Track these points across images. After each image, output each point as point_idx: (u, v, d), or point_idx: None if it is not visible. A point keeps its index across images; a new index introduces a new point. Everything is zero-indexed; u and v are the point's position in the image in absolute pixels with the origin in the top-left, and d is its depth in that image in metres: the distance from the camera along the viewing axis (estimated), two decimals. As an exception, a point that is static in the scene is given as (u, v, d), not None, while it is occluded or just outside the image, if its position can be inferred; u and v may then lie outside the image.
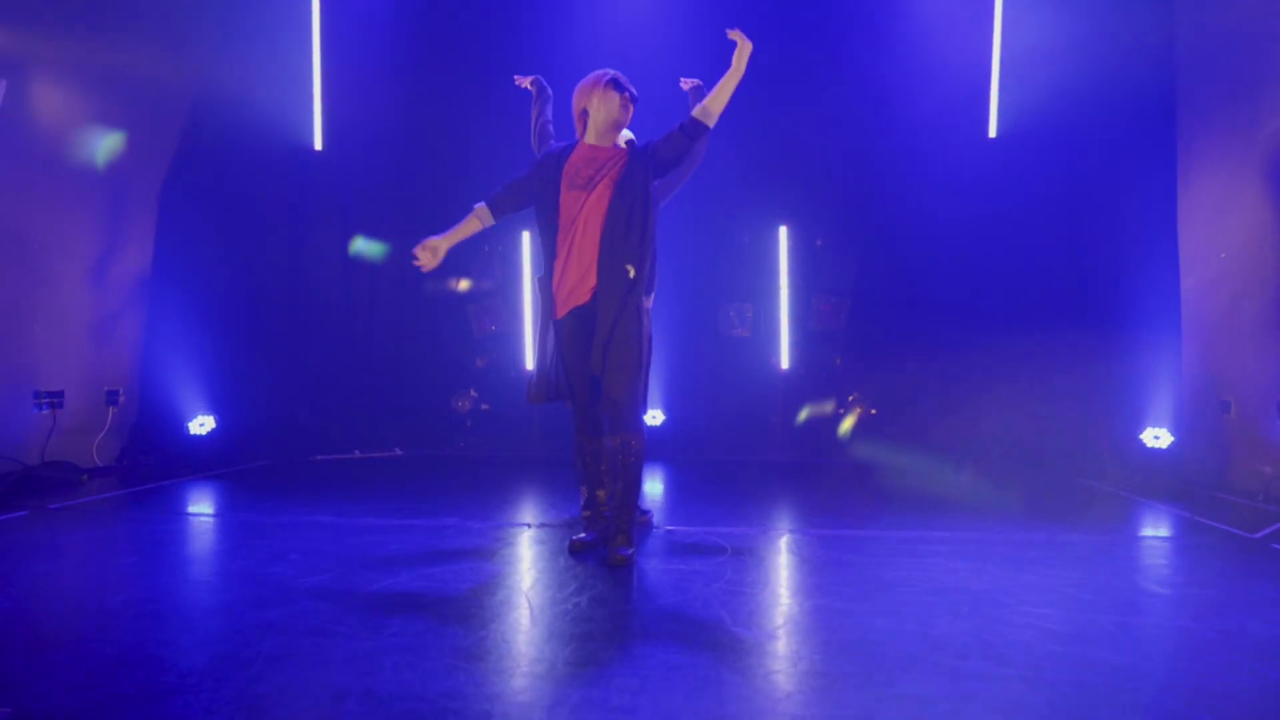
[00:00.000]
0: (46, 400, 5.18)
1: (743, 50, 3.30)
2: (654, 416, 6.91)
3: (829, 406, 6.67)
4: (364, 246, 6.80)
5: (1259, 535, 3.88)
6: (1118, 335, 5.83)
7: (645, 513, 4.11)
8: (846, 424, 6.56)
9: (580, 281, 3.34)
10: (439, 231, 3.42)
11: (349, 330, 6.99)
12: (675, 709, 1.92)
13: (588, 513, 3.63)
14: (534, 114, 3.88)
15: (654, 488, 5.42)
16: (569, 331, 3.38)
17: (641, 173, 3.34)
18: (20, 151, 4.83)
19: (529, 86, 4.00)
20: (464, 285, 6.93)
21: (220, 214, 6.16)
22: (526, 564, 3.31)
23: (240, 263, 6.31)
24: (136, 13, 5.40)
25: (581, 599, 2.78)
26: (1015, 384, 6.16)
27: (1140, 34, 5.74)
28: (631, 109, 3.42)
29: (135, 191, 5.71)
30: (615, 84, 3.37)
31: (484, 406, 7.12)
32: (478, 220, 3.44)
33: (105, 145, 5.26)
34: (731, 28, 3.36)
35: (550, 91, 3.94)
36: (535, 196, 3.44)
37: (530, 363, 7.06)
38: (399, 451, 6.92)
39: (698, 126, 3.31)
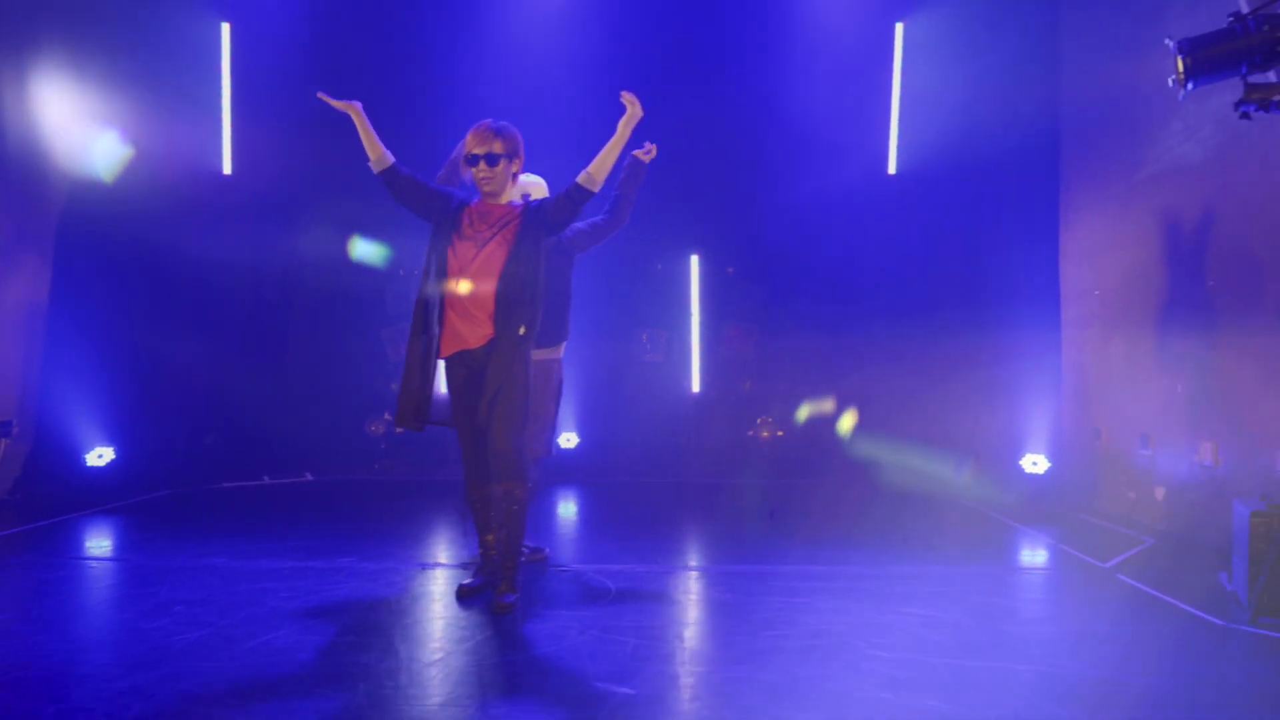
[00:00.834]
0: (-69, 435, 5.03)
1: (630, 118, 3.40)
2: (568, 439, 7.02)
3: (828, 405, 6.74)
4: (365, 249, 6.73)
5: (1109, 564, 4.18)
6: (1005, 365, 6.17)
7: (539, 550, 4.22)
8: (846, 423, 6.69)
9: (471, 331, 3.41)
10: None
11: (259, 354, 6.91)
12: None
13: (479, 557, 3.72)
14: (444, 175, 3.92)
15: (563, 514, 5.54)
16: (458, 378, 3.45)
17: (533, 234, 3.44)
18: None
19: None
20: (464, 287, 6.84)
21: (123, 240, 6.04)
22: (411, 614, 3.38)
23: (144, 288, 6.20)
24: (34, 35, 5.29)
25: (455, 652, 2.87)
26: (910, 408, 6.44)
27: (1028, 84, 6.10)
28: (496, 171, 3.41)
29: (29, 220, 5.57)
30: (471, 159, 3.42)
31: (399, 430, 7.13)
32: (382, 156, 3.42)
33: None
34: (630, 85, 3.44)
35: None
36: (433, 224, 3.50)
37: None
38: (310, 477, 6.88)
39: (582, 192, 3.42)
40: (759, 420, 7.03)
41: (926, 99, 6.38)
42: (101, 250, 5.91)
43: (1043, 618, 3.32)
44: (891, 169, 6.58)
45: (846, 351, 6.68)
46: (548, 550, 4.27)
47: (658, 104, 6.92)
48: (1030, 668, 2.75)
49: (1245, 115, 3.69)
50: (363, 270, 6.83)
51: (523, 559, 4.07)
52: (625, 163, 4.10)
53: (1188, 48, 3.59)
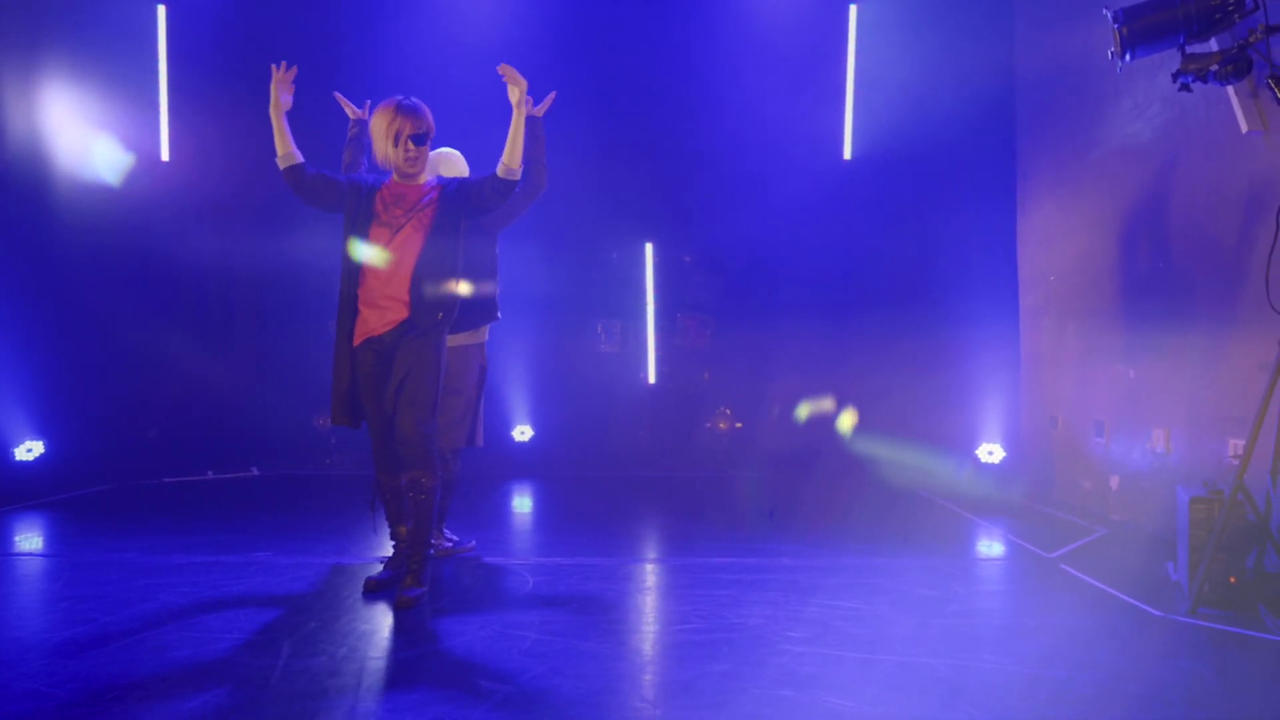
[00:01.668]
0: None
1: (512, 90, 3.23)
2: (522, 432, 6.86)
3: (827, 404, 6.56)
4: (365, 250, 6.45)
5: (1054, 555, 4.05)
6: (962, 353, 6.04)
7: (465, 544, 4.05)
8: (845, 423, 6.54)
9: (379, 317, 3.27)
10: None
11: (203, 345, 6.71)
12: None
13: (392, 548, 3.56)
14: (348, 154, 3.74)
15: (506, 507, 5.38)
16: (367, 364, 3.31)
17: (451, 217, 3.31)
18: None
19: (356, 115, 3.77)
20: (464, 288, 6.65)
21: (57, 227, 5.84)
22: (311, 610, 3.21)
23: (78, 277, 6.00)
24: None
25: (341, 649, 2.71)
26: (870, 397, 6.31)
27: (983, 68, 5.97)
28: (424, 150, 3.29)
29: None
30: (396, 138, 3.25)
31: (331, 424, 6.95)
32: (291, 152, 3.28)
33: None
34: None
35: (368, 141, 3.76)
36: (345, 217, 3.35)
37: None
38: (255, 472, 6.71)
39: (502, 184, 3.26)
40: (718, 411, 6.89)
41: (881, 82, 6.24)
42: (33, 237, 5.71)
43: (972, 610, 3.18)
44: (847, 154, 6.43)
45: (804, 340, 6.53)
46: (474, 543, 4.11)
47: (609, 89, 6.84)
48: (946, 662, 2.61)
49: (1185, 87, 3.56)
50: (307, 260, 6.66)
51: (440, 552, 3.93)
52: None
53: (1124, 18, 3.45)
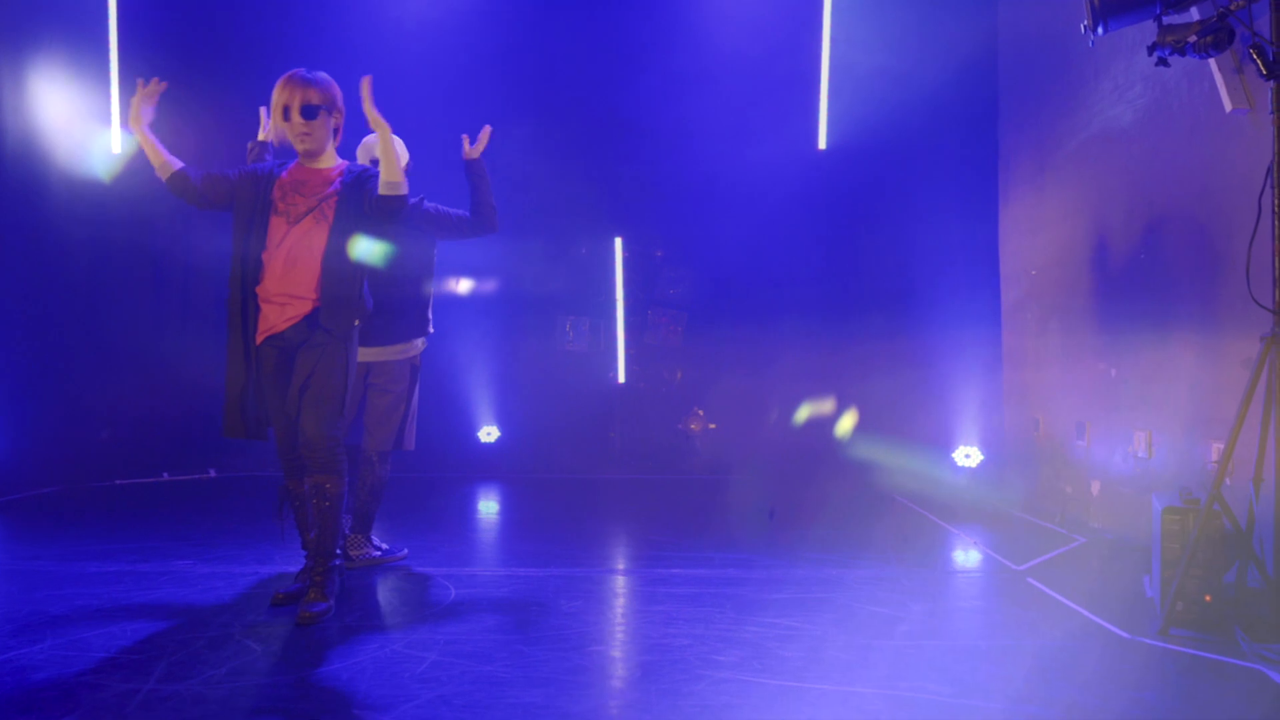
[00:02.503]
0: None
1: (365, 101, 2.96)
2: (488, 433, 6.63)
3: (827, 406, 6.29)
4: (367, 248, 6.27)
5: (1023, 567, 3.78)
6: (942, 351, 5.77)
7: (394, 552, 3.82)
8: (845, 424, 6.29)
9: (280, 314, 3.04)
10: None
11: (159, 344, 6.50)
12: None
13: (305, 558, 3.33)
14: (253, 153, 3.49)
15: (456, 511, 5.15)
16: (270, 364, 3.08)
17: (354, 209, 3.05)
18: None
19: (264, 137, 3.48)
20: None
21: (12, 225, 5.63)
22: (208, 625, 2.98)
23: (26, 271, 5.80)
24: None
25: (220, 674, 2.47)
26: (846, 396, 6.06)
27: (965, 50, 5.71)
28: (314, 125, 3.01)
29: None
30: (285, 111, 3.01)
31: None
32: (166, 162, 3.02)
33: None
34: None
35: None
36: (237, 211, 3.11)
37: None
38: (212, 474, 6.50)
39: (387, 202, 2.99)
40: (691, 412, 6.63)
41: (857, 69, 5.97)
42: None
43: (923, 631, 2.91)
44: (822, 144, 6.16)
45: (779, 337, 6.28)
46: (406, 551, 3.88)
47: (577, 79, 6.58)
48: (881, 693, 2.35)
49: (1162, 61, 3.28)
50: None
51: (367, 561, 3.70)
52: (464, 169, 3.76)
53: (1095, -15, 3.20)
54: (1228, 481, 3.28)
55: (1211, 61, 3.52)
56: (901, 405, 5.85)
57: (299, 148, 3.08)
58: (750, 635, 2.82)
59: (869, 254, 6.07)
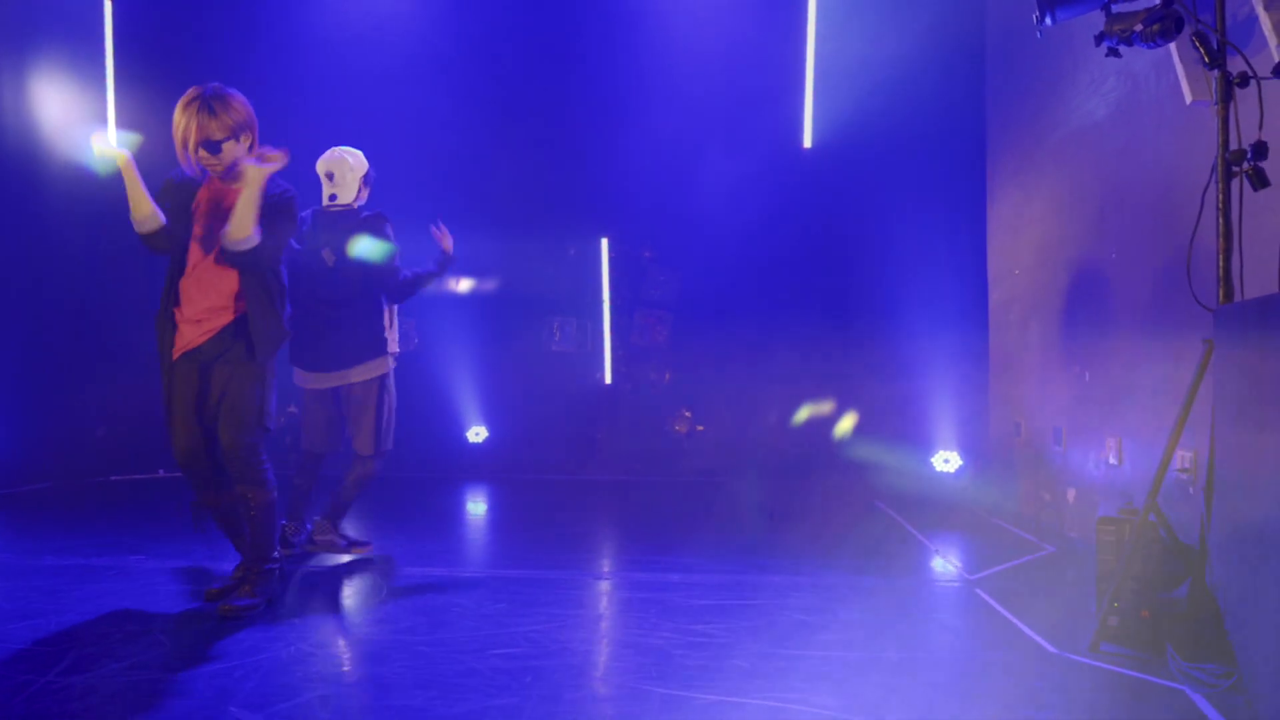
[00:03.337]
0: None
1: (248, 170, 2.89)
2: (476, 433, 6.66)
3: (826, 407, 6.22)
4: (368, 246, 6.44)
5: (976, 576, 3.66)
6: (926, 351, 5.63)
7: (360, 543, 3.84)
8: (844, 426, 6.24)
9: (197, 328, 3.01)
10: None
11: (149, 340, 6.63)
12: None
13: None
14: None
15: (433, 511, 5.17)
16: (183, 378, 3.05)
17: (268, 228, 2.99)
18: None
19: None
20: (464, 285, 6.61)
21: (18, 222, 5.82)
22: (130, 621, 3.02)
23: (25, 268, 5.98)
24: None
25: (120, 667, 2.50)
26: (833, 396, 5.94)
27: (953, 45, 5.57)
28: (222, 157, 2.91)
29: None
30: (185, 143, 2.90)
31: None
32: (154, 213, 2.89)
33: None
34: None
35: None
36: (168, 219, 3.12)
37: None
38: (209, 469, 6.63)
39: (228, 256, 2.92)
40: (678, 413, 6.57)
41: (842, 66, 5.85)
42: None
43: (841, 641, 2.83)
44: (807, 143, 6.05)
45: (767, 336, 6.20)
46: (370, 546, 3.90)
47: (563, 78, 6.57)
48: (760, 702, 2.28)
49: (1112, 52, 3.15)
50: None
51: (327, 547, 3.74)
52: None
53: (1041, -25, 3.08)
54: (1191, 491, 3.14)
55: (1173, 51, 3.37)
56: (886, 407, 5.72)
57: (212, 174, 3.02)
58: (658, 642, 2.77)
59: (855, 253, 5.95)
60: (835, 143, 5.95)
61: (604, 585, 3.46)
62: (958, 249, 5.60)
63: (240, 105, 2.98)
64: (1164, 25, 2.95)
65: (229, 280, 3.00)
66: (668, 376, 6.61)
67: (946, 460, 5.30)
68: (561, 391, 6.57)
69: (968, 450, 5.44)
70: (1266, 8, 2.98)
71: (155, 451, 6.49)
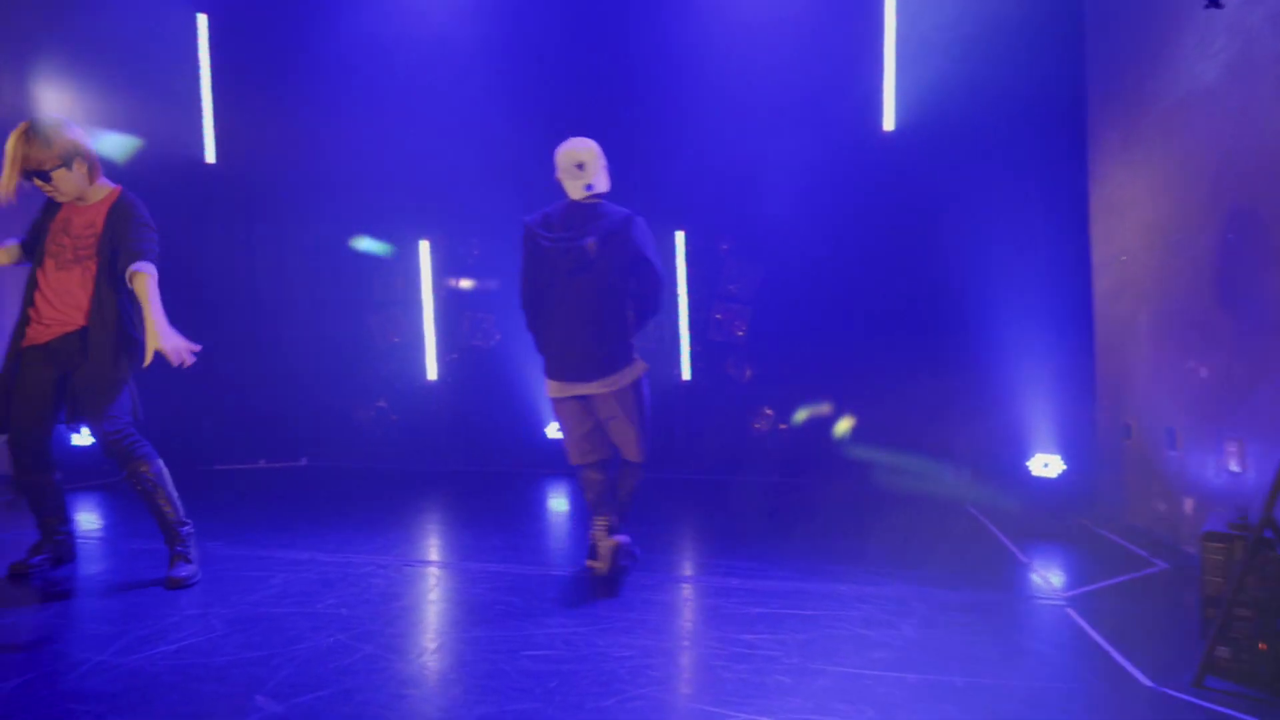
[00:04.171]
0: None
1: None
2: (557, 429, 6.63)
3: (825, 408, 6.02)
4: (370, 245, 6.77)
5: (1070, 594, 3.31)
6: (1021, 346, 5.21)
7: (632, 548, 3.70)
8: (843, 426, 6.07)
9: (46, 330, 3.18)
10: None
11: (255, 339, 6.93)
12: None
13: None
14: None
15: (519, 507, 5.15)
16: (31, 368, 3.18)
17: (113, 250, 3.14)
18: None
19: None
20: (465, 284, 6.77)
21: None
22: (198, 602, 3.10)
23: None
24: (5, 29, 5.50)
25: (168, 649, 2.55)
26: (917, 395, 5.57)
27: (1045, 15, 5.11)
28: (54, 186, 3.11)
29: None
30: (22, 174, 3.08)
31: (393, 418, 7.02)
32: (10, 249, 3.24)
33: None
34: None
35: None
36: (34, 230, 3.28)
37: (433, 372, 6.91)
38: (304, 461, 6.88)
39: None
40: (765, 411, 6.34)
41: (925, 41, 5.47)
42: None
43: (895, 659, 2.59)
44: (889, 125, 5.69)
45: (850, 331, 5.89)
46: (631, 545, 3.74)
47: (635, 69, 6.43)
48: (801, 727, 2.10)
49: (1212, 3, 2.78)
50: (350, 254, 6.80)
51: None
52: None
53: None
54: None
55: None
56: (980, 405, 5.32)
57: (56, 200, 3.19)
58: (700, 651, 2.62)
59: (943, 240, 5.54)
60: (919, 124, 5.57)
61: (658, 587, 3.32)
62: (1057, 234, 5.14)
63: (62, 139, 3.07)
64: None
65: (81, 294, 3.15)
66: (748, 373, 6.39)
67: (1046, 464, 4.87)
68: (640, 388, 6.45)
69: (1070, 453, 4.99)
70: None
71: (258, 441, 6.77)
